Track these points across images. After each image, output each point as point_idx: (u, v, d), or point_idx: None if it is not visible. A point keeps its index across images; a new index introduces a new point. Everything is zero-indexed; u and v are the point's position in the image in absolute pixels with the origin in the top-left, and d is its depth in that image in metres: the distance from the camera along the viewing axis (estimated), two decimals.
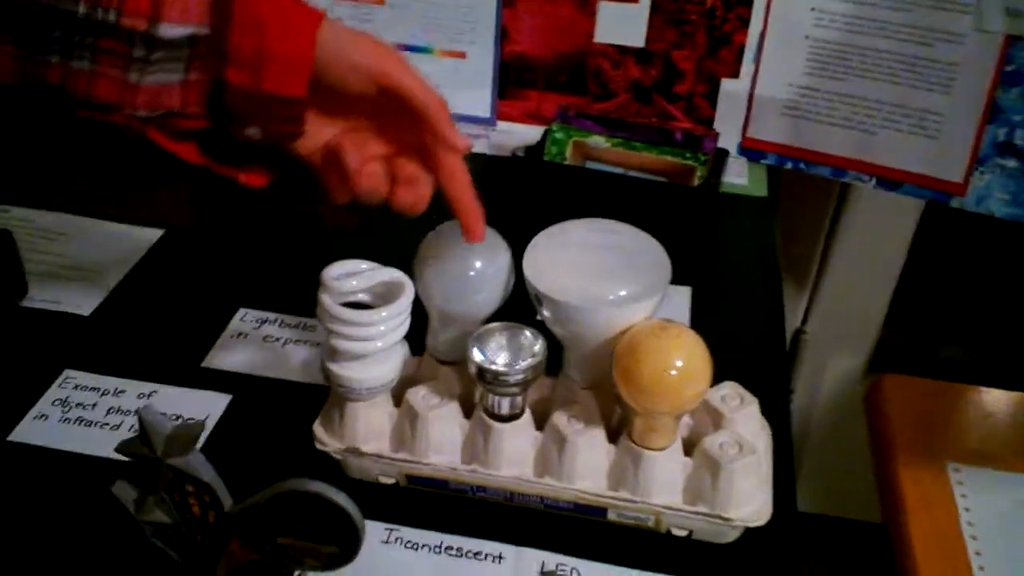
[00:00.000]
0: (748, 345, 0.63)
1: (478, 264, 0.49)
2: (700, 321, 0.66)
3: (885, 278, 1.02)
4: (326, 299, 0.47)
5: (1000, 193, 0.76)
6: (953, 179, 0.77)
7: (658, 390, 0.45)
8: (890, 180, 0.80)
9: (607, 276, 0.48)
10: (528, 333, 0.48)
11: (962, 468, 0.54)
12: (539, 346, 0.47)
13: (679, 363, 0.45)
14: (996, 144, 0.74)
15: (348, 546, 0.40)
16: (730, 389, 0.52)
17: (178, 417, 0.56)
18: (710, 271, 0.71)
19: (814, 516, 1.18)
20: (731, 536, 0.49)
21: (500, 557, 0.49)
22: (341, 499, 0.39)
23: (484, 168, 0.81)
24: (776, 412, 0.53)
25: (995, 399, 0.60)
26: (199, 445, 0.40)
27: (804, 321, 1.08)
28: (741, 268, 0.73)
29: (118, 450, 0.40)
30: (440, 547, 0.49)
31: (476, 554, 0.49)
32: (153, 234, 0.73)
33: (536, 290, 0.47)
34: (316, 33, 0.44)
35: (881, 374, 0.62)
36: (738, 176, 0.83)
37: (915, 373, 1.10)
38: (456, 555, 0.49)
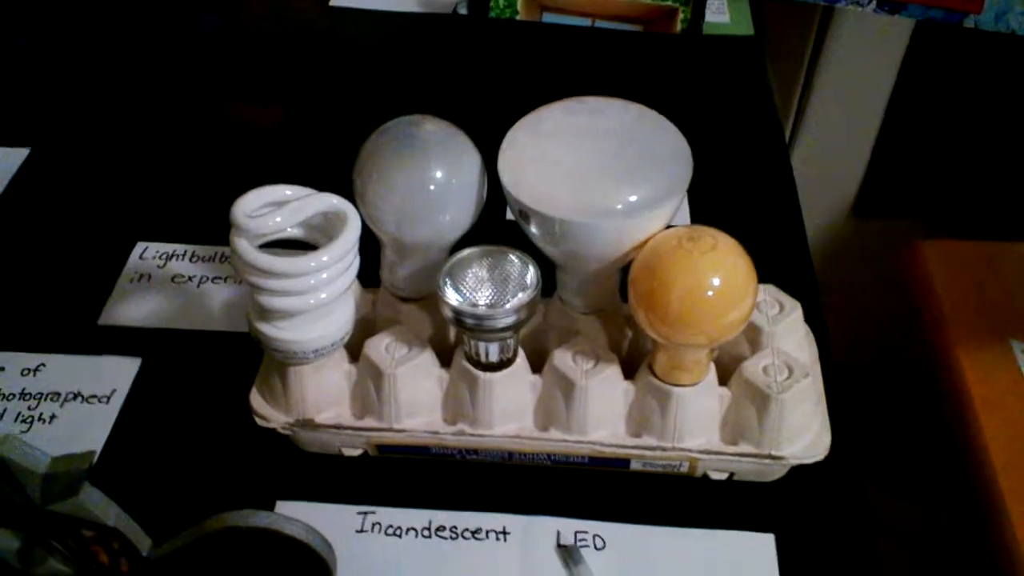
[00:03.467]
0: (761, 227, 0.53)
1: (439, 175, 0.37)
2: (698, 204, 0.55)
3: (870, 114, 0.92)
4: (242, 244, 0.35)
5: (1020, 6, 0.65)
6: None
7: (693, 318, 0.34)
8: (892, 2, 0.68)
9: (609, 176, 0.36)
10: (514, 258, 0.37)
11: None
12: (531, 275, 0.36)
13: (716, 281, 0.34)
14: None
15: None
16: (765, 294, 0.42)
17: (76, 396, 0.45)
18: (706, 136, 0.59)
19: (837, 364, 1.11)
20: (779, 474, 0.40)
21: (505, 532, 0.39)
22: (297, 530, 0.28)
23: (416, 32, 0.67)
24: (809, 310, 0.44)
25: None
26: (93, 464, 0.29)
27: None
28: (739, 127, 0.62)
29: None
30: (429, 528, 0.40)
31: (475, 532, 0.39)
32: (16, 156, 0.58)
33: (521, 204, 0.36)
34: None
35: (916, 241, 0.53)
36: (718, 13, 0.71)
37: (902, 215, 1.02)
38: (450, 536, 0.39)
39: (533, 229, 0.37)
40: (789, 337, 0.41)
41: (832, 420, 0.40)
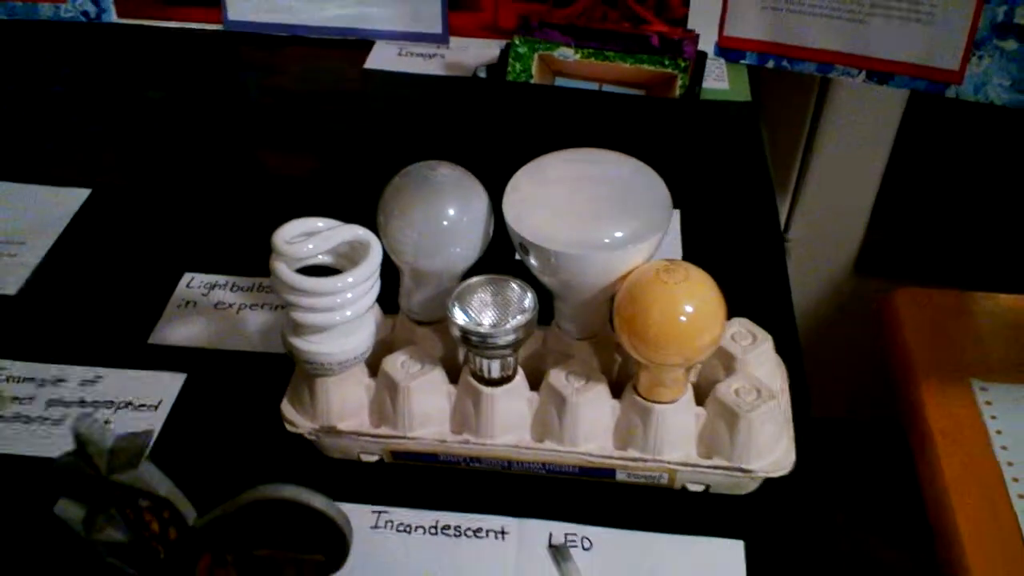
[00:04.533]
0: (746, 272, 0.58)
1: (451, 212, 0.42)
2: (692, 248, 0.60)
3: (869, 177, 0.98)
4: (281, 267, 0.40)
5: (999, 78, 0.70)
6: (949, 67, 0.72)
7: (668, 340, 0.40)
8: (880, 72, 0.74)
9: (599, 216, 0.42)
10: (515, 286, 0.42)
11: (988, 387, 0.50)
12: (529, 300, 0.42)
13: (689, 308, 0.39)
14: (995, 25, 0.69)
15: (334, 553, 0.35)
16: (740, 327, 0.47)
17: (128, 404, 0.50)
18: (699, 191, 0.65)
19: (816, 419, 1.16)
20: (751, 487, 0.45)
21: (503, 532, 0.44)
22: (319, 503, 0.33)
23: (440, 93, 0.74)
24: (785, 345, 0.49)
25: (1015, 305, 0.56)
26: (151, 445, 0.35)
27: (786, 228, 1.03)
28: (731, 185, 0.67)
29: (56, 469, 0.34)
30: (436, 527, 0.44)
31: (476, 531, 0.44)
32: (79, 196, 0.65)
33: (521, 238, 0.41)
34: None
35: (894, 289, 0.58)
36: (718, 80, 0.77)
37: (901, 275, 1.07)
38: (454, 535, 0.44)
39: (532, 261, 0.42)
40: (761, 365, 0.45)
41: (801, 442, 0.44)
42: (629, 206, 0.42)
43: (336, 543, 0.34)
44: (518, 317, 0.41)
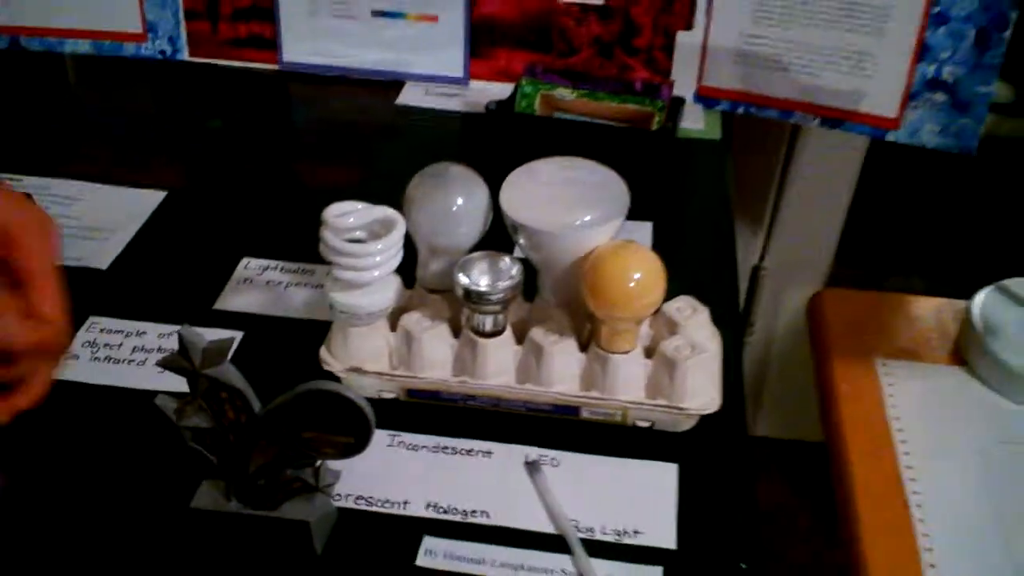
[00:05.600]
0: (703, 269, 0.71)
1: (460, 201, 0.55)
2: (661, 251, 0.73)
3: (835, 212, 1.10)
4: (328, 235, 0.54)
5: (931, 125, 0.83)
6: (888, 115, 0.84)
7: (620, 299, 0.52)
8: (832, 119, 0.87)
9: (573, 206, 0.55)
10: (507, 259, 0.55)
11: (889, 362, 0.62)
12: (516, 269, 0.55)
13: (636, 275, 0.52)
14: (926, 80, 0.82)
15: (361, 436, 0.47)
16: (683, 302, 0.59)
17: None
18: (669, 207, 0.78)
19: (777, 441, 1.27)
20: (687, 425, 0.57)
21: (489, 452, 0.56)
22: (353, 395, 0.46)
23: (460, 124, 0.88)
24: (727, 325, 0.61)
25: (921, 304, 0.68)
26: (229, 358, 0.47)
27: (762, 258, 1.16)
28: (698, 204, 0.80)
29: (160, 364, 0.47)
30: (437, 447, 0.56)
31: (468, 451, 0.56)
32: (157, 196, 0.79)
33: (513, 221, 0.54)
34: None
35: (822, 290, 0.70)
36: (695, 122, 0.90)
37: (872, 287, 1.18)
38: (451, 453, 0.56)
39: (521, 240, 0.55)
40: (698, 331, 0.58)
41: (729, 392, 0.56)
42: (596, 199, 0.55)
43: (362, 428, 0.47)
44: (507, 281, 0.54)
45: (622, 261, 0.52)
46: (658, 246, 0.73)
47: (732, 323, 0.63)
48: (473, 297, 0.54)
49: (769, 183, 1.09)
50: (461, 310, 0.58)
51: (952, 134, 0.83)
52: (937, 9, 0.79)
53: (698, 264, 0.71)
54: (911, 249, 1.17)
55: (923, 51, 0.81)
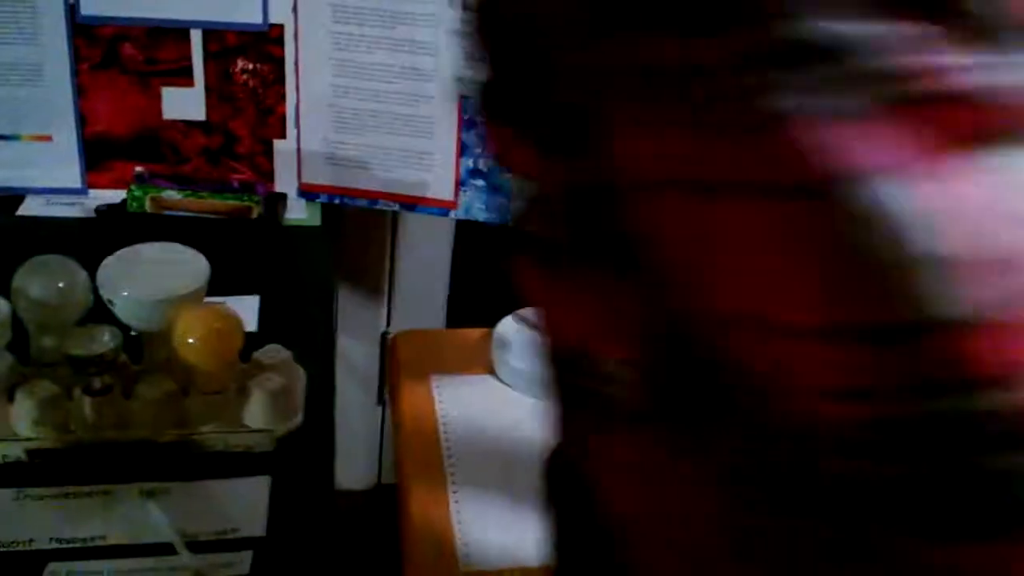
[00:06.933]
0: (304, 326, 0.87)
1: (60, 284, 0.67)
2: (267, 321, 0.88)
3: (440, 278, 1.33)
4: None
5: (478, 204, 1.08)
6: (448, 198, 1.08)
7: (202, 350, 0.66)
8: (408, 204, 1.10)
9: (162, 280, 0.68)
10: (106, 329, 0.67)
11: (441, 377, 0.82)
12: (110, 336, 0.67)
13: (214, 332, 0.67)
14: (469, 171, 1.06)
15: None
16: (272, 348, 0.75)
17: None
18: (275, 283, 0.94)
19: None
20: (272, 445, 0.71)
21: (108, 492, 0.67)
22: None
23: (79, 228, 0.98)
24: (320, 367, 0.77)
25: (468, 335, 0.90)
26: None
27: (388, 323, 1.35)
28: (302, 279, 0.97)
29: None
30: (60, 495, 0.66)
31: (89, 494, 0.66)
32: None
33: (107, 296, 0.67)
34: None
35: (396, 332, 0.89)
36: (300, 212, 1.08)
37: None
38: (74, 497, 0.66)
39: (117, 312, 0.68)
40: (285, 370, 0.73)
41: (312, 416, 0.72)
42: (177, 274, 0.69)
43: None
44: (106, 346, 0.66)
45: (202, 320, 0.67)
46: (265, 316, 0.89)
47: (323, 363, 0.80)
48: (79, 363, 0.65)
49: (383, 257, 1.30)
50: (73, 375, 0.69)
51: (495, 210, 1.08)
52: (467, 117, 1.04)
53: (300, 323, 0.88)
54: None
55: (463, 148, 1.06)
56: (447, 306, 1.36)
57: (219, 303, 0.69)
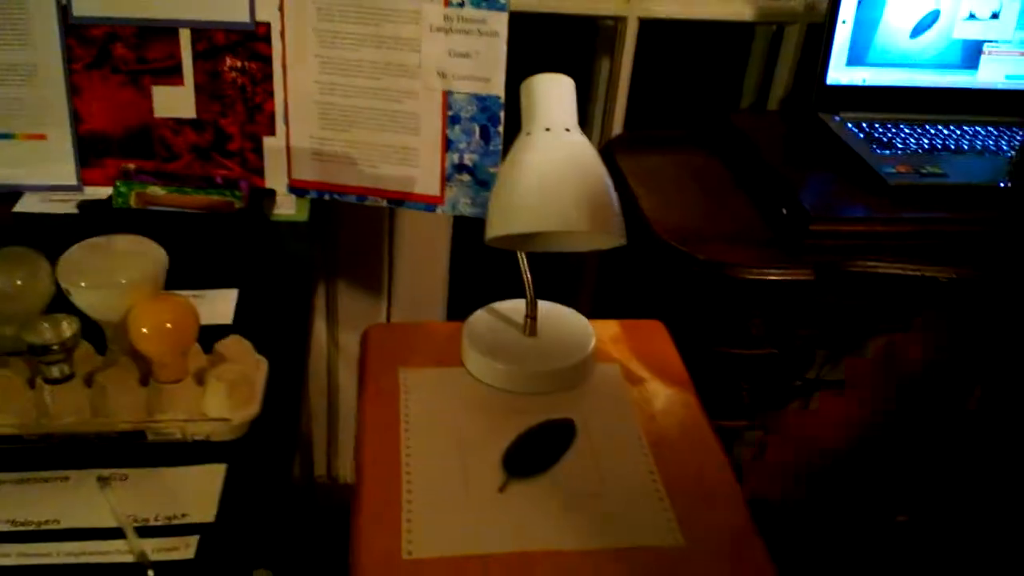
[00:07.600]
0: (279, 320, 0.88)
1: (21, 275, 0.69)
2: (243, 315, 0.89)
3: (439, 272, 1.34)
4: None
5: (464, 199, 1.08)
6: (434, 194, 1.08)
7: (155, 340, 0.68)
8: (396, 199, 1.10)
9: (118, 271, 0.70)
10: (64, 319, 0.69)
11: (407, 370, 0.82)
12: (68, 325, 0.68)
13: (167, 321, 0.68)
14: (454, 166, 1.07)
15: None
16: (232, 339, 0.76)
17: None
18: (255, 276, 0.95)
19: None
20: (238, 433, 0.72)
21: (66, 478, 0.68)
22: None
23: (72, 222, 1.01)
24: (289, 362, 0.78)
25: (440, 328, 0.90)
26: None
27: (388, 317, 1.36)
28: (284, 272, 0.98)
29: None
30: (20, 480, 0.68)
31: (46, 480, 0.68)
32: None
33: (65, 286, 0.68)
34: None
35: (369, 326, 0.90)
36: (289, 208, 1.09)
37: None
38: (32, 483, 0.68)
39: (76, 302, 0.69)
40: (245, 360, 0.74)
41: (271, 404, 0.73)
42: (136, 264, 0.71)
43: None
44: (64, 335, 0.68)
45: (156, 310, 0.68)
46: (241, 310, 0.90)
47: (294, 355, 0.80)
48: (38, 351, 0.67)
49: (381, 251, 1.31)
50: (34, 363, 0.70)
51: (479, 205, 1.08)
52: (451, 113, 1.05)
53: (275, 315, 0.89)
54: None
55: (448, 144, 1.06)
56: (447, 300, 1.37)
57: (180, 295, 0.70)
